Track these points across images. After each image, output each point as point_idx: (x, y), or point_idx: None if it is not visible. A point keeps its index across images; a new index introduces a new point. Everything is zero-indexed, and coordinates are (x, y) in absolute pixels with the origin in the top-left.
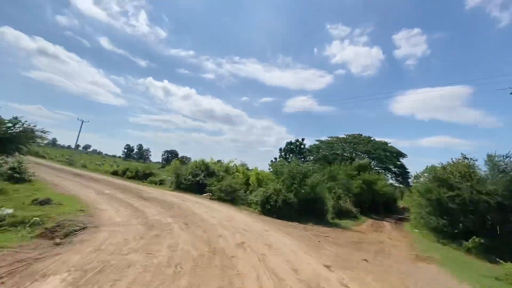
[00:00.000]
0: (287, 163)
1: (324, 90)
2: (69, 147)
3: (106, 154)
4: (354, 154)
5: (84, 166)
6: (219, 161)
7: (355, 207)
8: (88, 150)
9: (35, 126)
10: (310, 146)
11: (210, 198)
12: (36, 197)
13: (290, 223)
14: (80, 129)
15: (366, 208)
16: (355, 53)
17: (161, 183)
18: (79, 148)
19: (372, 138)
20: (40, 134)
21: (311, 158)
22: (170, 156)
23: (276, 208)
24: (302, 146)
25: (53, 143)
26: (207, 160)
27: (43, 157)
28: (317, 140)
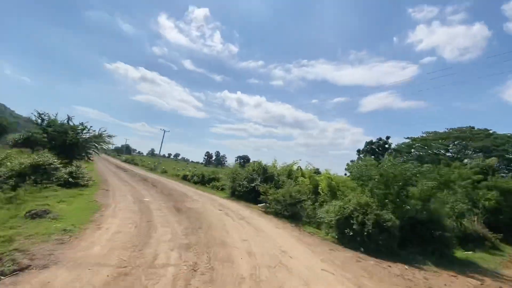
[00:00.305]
0: (376, 162)
1: (408, 83)
2: (163, 156)
3: (191, 161)
4: (463, 153)
5: (164, 172)
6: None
7: (488, 229)
8: (178, 158)
9: (105, 131)
10: (398, 145)
11: (264, 211)
12: (42, 207)
13: (391, 264)
14: (163, 138)
15: (506, 231)
16: (448, 35)
17: (222, 188)
18: (170, 156)
19: (491, 131)
20: (107, 139)
21: (401, 160)
22: (242, 161)
23: (362, 235)
24: (386, 146)
25: (152, 153)
26: (266, 162)
27: (136, 164)
28: (408, 138)
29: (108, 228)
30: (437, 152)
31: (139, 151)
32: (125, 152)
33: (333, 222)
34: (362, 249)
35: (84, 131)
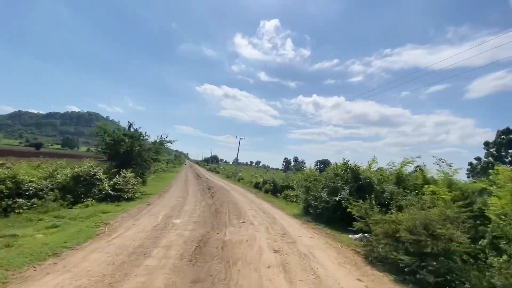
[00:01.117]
0: None
1: None
2: (245, 164)
3: (271, 168)
4: None
5: (240, 179)
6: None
7: None
8: (259, 165)
9: (166, 137)
10: None
11: (363, 254)
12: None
13: None
14: (239, 145)
15: None
16: None
17: (296, 200)
18: (252, 164)
19: None
20: (165, 147)
21: None
22: (322, 166)
23: None
24: None
25: (236, 161)
26: (355, 163)
27: (218, 172)
28: None
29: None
30: None
31: (225, 160)
32: (211, 162)
33: None
34: None
35: (141, 138)
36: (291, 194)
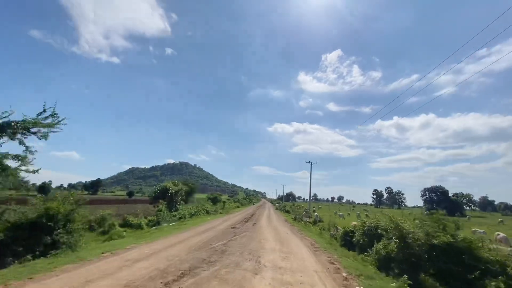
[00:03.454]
0: None
1: None
2: (326, 200)
3: (357, 203)
4: None
5: (319, 221)
6: None
7: None
8: (342, 200)
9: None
10: None
11: None
12: None
13: None
14: (311, 172)
15: None
16: None
17: None
18: (334, 200)
19: None
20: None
21: None
22: (434, 196)
23: None
24: None
25: (315, 198)
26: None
27: (288, 212)
28: None
29: None
30: None
31: (302, 197)
32: (288, 199)
33: None
34: None
35: None
36: None
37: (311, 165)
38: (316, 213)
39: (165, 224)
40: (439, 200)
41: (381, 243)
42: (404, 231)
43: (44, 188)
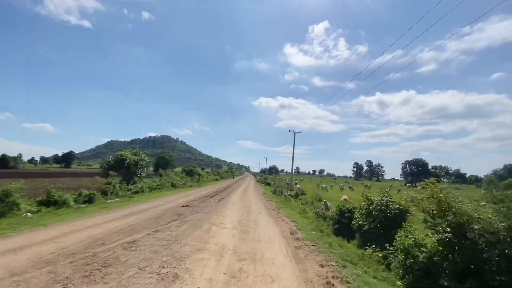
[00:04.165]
0: None
1: None
2: (308, 173)
3: (338, 176)
4: None
5: (301, 194)
6: None
7: None
8: (323, 174)
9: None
10: None
11: None
12: None
13: None
14: (294, 140)
15: None
16: None
17: None
18: (315, 173)
19: None
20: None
21: None
22: (414, 168)
23: None
24: None
25: (297, 171)
26: None
27: (268, 184)
28: None
29: None
30: None
31: (286, 171)
32: (271, 172)
33: None
34: None
35: None
36: None
37: (294, 134)
38: (298, 185)
39: (108, 201)
40: (419, 172)
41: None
42: (465, 217)
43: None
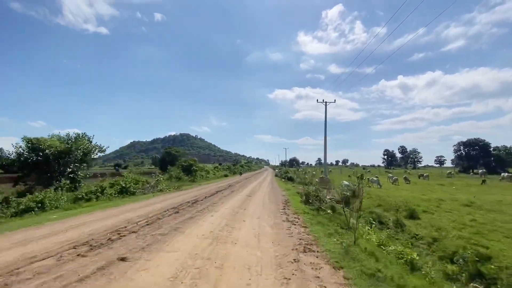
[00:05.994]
0: None
1: None
2: (331, 164)
3: (364, 166)
4: None
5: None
6: None
7: None
8: (346, 164)
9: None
10: None
11: None
12: None
13: None
14: (326, 116)
15: None
16: None
17: None
18: (339, 163)
19: None
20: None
21: None
22: (471, 150)
23: None
24: None
25: (319, 162)
26: None
27: (290, 179)
28: None
29: None
30: None
31: (307, 163)
32: (292, 165)
33: None
34: None
35: None
36: None
37: (326, 105)
38: (346, 182)
39: None
40: (478, 155)
41: None
42: None
43: None
